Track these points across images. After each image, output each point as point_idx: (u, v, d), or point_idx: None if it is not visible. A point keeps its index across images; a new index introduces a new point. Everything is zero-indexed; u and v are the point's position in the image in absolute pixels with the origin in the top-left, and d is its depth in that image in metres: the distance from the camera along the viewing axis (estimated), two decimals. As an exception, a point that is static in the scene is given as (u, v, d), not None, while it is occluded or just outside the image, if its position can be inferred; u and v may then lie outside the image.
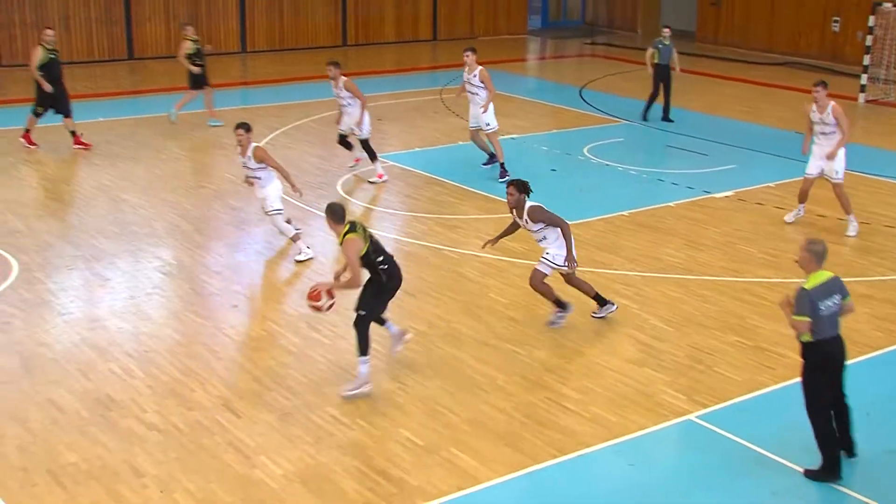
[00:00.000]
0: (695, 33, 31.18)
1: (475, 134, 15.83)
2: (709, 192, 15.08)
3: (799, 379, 7.77)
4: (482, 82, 15.37)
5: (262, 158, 12.00)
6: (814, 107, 13.26)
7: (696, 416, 8.72)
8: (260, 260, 12.45)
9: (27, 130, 17.08)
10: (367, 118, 15.28)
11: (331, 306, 8.91)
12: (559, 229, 10.09)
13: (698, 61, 26.41)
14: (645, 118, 19.96)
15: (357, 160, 15.98)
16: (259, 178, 12.18)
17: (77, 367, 9.39)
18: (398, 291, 9.11)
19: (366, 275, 8.89)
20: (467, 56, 15.56)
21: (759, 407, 8.97)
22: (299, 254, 12.16)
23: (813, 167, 13.58)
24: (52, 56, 16.75)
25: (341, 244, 8.80)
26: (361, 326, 8.85)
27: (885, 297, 11.40)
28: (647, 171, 16.37)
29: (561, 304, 10.40)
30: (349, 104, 15.28)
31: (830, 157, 13.26)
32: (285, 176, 12.15)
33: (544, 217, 10.08)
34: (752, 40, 29.63)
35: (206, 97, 18.94)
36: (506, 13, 32.15)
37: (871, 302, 11.21)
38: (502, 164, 15.54)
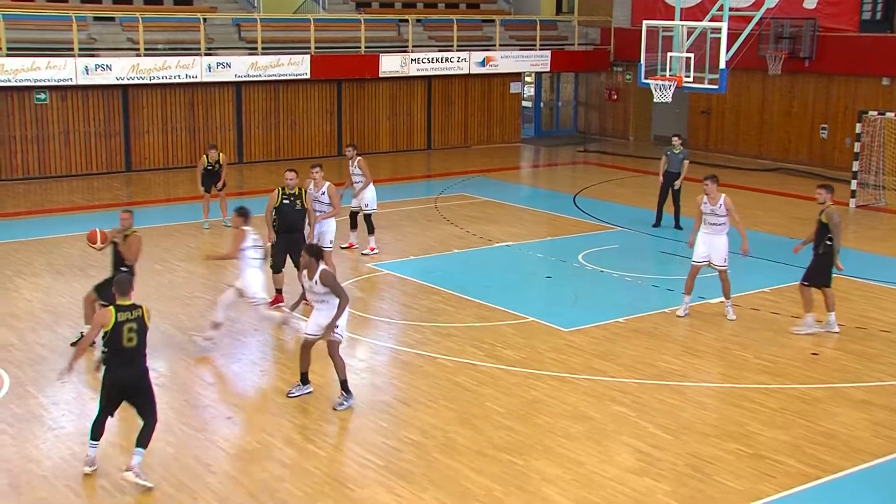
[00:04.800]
0: (686, 141, 31.60)
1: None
2: (704, 298, 15.08)
3: (802, 488, 7.64)
4: (330, 198, 14.95)
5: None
6: None
7: (698, 528, 8.57)
8: (254, 370, 12.37)
9: (278, 291, 14.53)
10: (373, 194, 17.66)
11: None
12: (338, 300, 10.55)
13: (690, 167, 26.65)
14: (657, 225, 20.37)
15: (351, 245, 18.05)
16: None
17: (66, 483, 9.23)
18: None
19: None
20: (315, 172, 15.06)
21: (761, 517, 8.82)
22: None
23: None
24: (287, 201, 14.32)
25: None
26: None
27: (883, 402, 11.30)
28: (643, 277, 16.40)
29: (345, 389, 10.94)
30: (360, 181, 17.50)
31: None
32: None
33: (333, 284, 10.54)
34: (743, 147, 30.07)
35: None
36: (499, 122, 32.66)
37: (870, 408, 11.11)
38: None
